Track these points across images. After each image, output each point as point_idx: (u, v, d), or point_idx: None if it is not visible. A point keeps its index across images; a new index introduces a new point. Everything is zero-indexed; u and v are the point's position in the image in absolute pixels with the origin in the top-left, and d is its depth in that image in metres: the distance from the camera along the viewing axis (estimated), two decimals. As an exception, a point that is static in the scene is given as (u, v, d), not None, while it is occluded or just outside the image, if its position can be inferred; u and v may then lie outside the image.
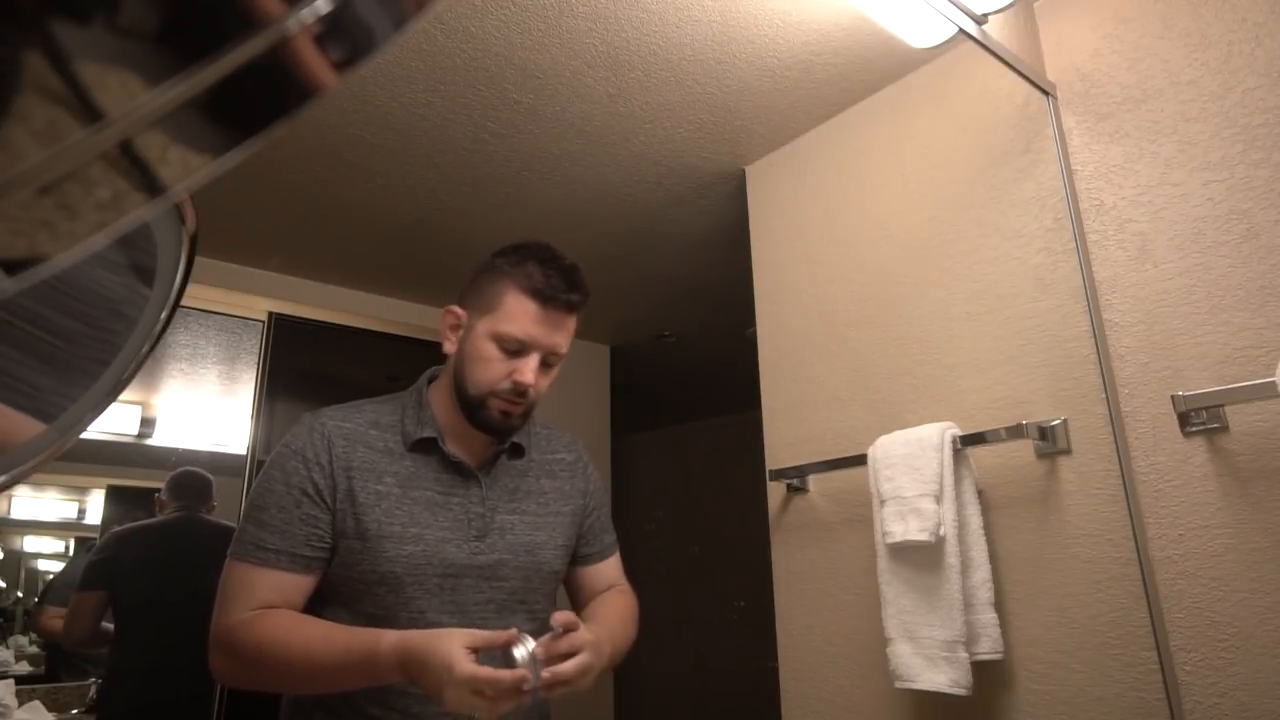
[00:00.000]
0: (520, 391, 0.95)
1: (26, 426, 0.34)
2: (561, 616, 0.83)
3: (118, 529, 1.78)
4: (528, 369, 0.95)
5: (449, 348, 1.00)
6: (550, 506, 1.05)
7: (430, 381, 1.05)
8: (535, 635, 0.83)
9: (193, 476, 1.85)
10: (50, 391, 0.35)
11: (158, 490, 1.82)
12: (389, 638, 0.82)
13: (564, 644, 0.81)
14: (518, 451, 1.05)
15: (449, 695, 0.76)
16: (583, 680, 0.82)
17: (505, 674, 0.76)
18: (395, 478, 0.96)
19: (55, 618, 1.70)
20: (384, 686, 0.89)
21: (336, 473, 0.93)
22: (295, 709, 0.97)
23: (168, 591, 1.76)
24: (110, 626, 1.71)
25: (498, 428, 0.98)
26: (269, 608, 0.89)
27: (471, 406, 0.97)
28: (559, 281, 0.95)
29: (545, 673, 0.78)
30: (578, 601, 1.11)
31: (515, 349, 0.95)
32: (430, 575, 0.94)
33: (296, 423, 0.98)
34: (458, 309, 1.01)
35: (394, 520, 0.93)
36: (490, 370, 0.95)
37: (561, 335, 0.98)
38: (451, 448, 0.99)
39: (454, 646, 0.77)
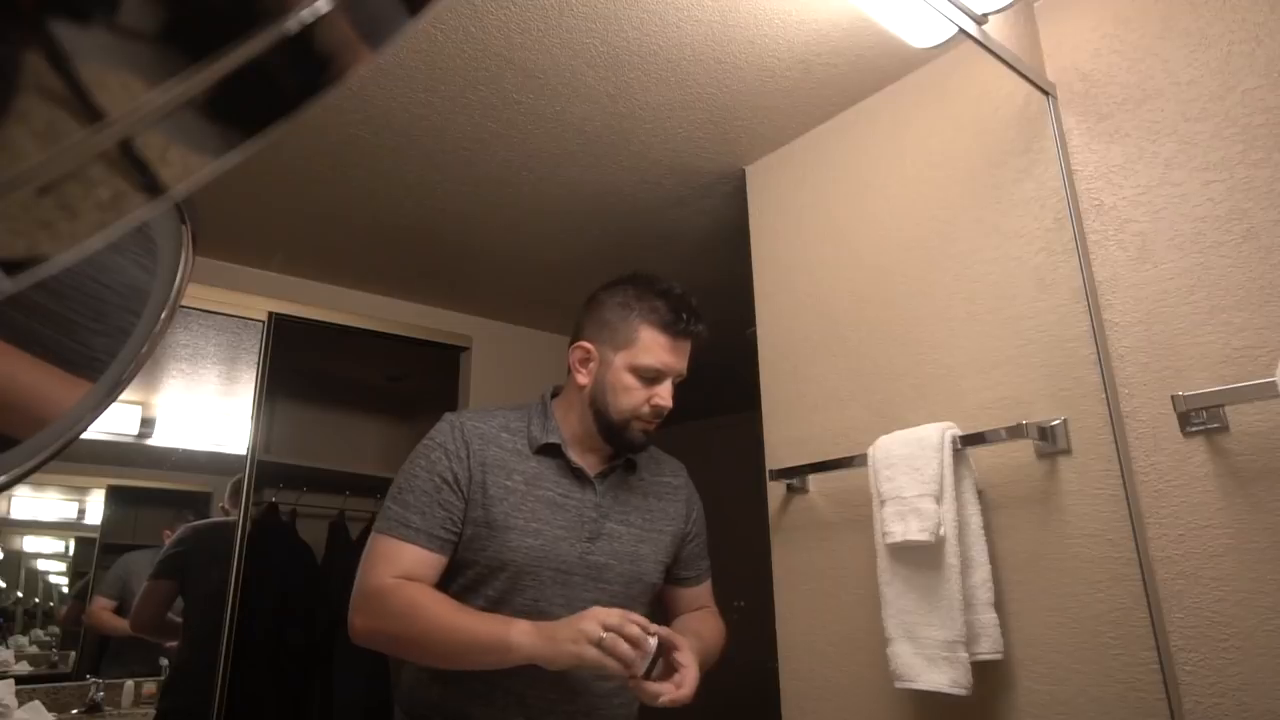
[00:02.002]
0: (660, 414, 1.08)
1: (77, 388, 0.35)
2: (663, 631, 0.94)
3: (194, 523, 1.87)
4: (667, 393, 1.08)
5: (583, 380, 1.11)
6: (655, 524, 1.15)
7: (553, 397, 1.16)
8: None
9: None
10: (99, 349, 0.36)
11: (213, 495, 1.89)
12: (522, 622, 0.93)
13: (676, 657, 0.93)
14: (631, 468, 1.16)
15: (582, 625, 0.87)
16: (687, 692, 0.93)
17: (634, 617, 0.88)
18: (522, 476, 1.07)
19: (105, 609, 1.74)
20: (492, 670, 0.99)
21: (473, 466, 1.05)
22: (417, 674, 1.07)
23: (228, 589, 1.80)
24: (177, 620, 1.77)
25: (638, 445, 1.11)
26: (410, 579, 0.99)
27: (614, 430, 1.09)
28: (687, 315, 1.09)
29: (668, 687, 0.90)
30: (671, 619, 1.20)
31: (652, 377, 1.07)
32: (545, 568, 1.03)
33: (440, 421, 1.10)
34: (588, 344, 1.12)
35: (519, 514, 1.04)
36: (632, 397, 1.07)
37: (685, 361, 1.11)
38: (573, 455, 1.10)
39: (595, 607, 0.91)
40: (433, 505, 1.02)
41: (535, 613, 1.01)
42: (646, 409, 1.07)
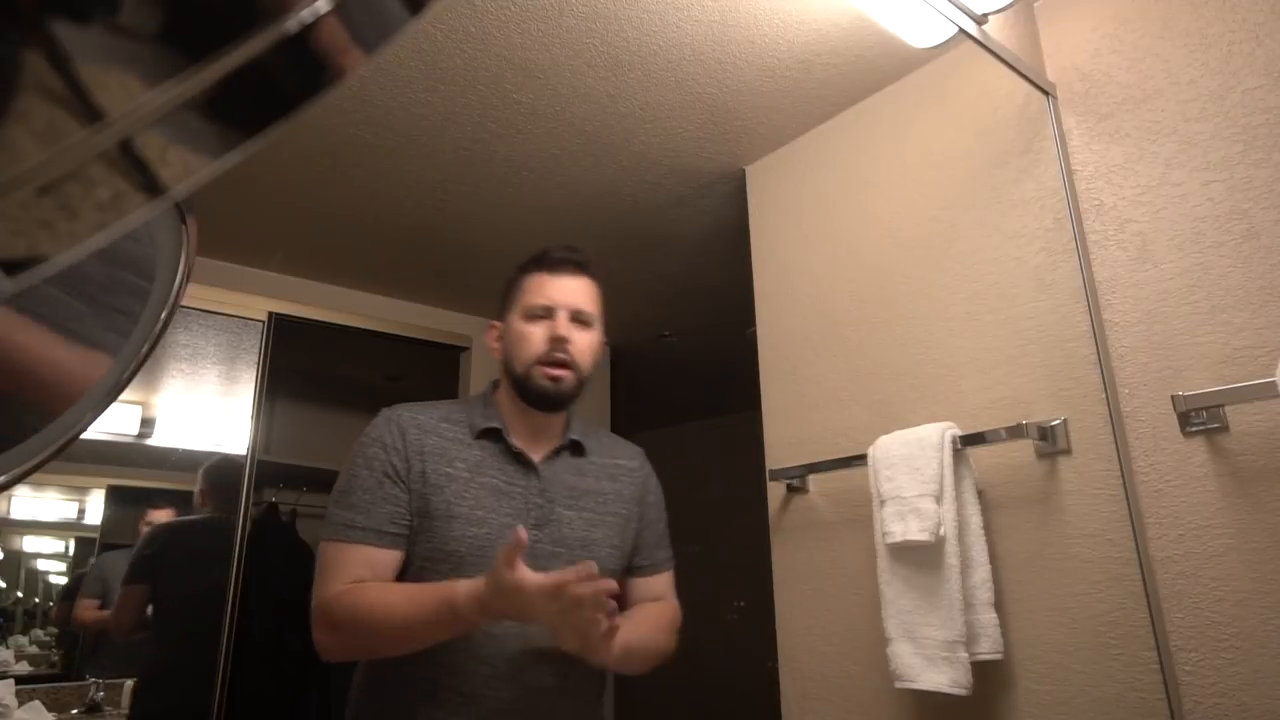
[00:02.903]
0: (559, 349, 1.04)
1: (100, 363, 0.35)
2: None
3: (163, 523, 1.83)
4: (559, 325, 1.05)
5: (498, 355, 1.11)
6: (608, 507, 1.11)
7: (495, 389, 1.14)
8: None
9: (233, 474, 1.86)
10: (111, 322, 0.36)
11: (192, 491, 1.86)
12: (462, 586, 0.89)
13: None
14: (579, 450, 1.12)
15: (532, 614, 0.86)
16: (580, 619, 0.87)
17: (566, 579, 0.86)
18: (465, 463, 1.03)
19: (89, 609, 1.73)
20: (438, 666, 0.96)
21: (411, 456, 1.01)
22: (366, 680, 1.04)
23: (205, 589, 1.78)
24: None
25: (550, 394, 1.05)
26: (361, 581, 0.96)
27: (522, 384, 1.06)
28: (560, 251, 1.09)
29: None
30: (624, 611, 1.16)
31: (541, 314, 1.06)
32: (491, 557, 0.98)
33: (378, 416, 1.07)
34: (495, 322, 1.12)
35: (462, 501, 1.00)
36: (527, 342, 1.05)
37: (580, 296, 1.08)
38: (514, 440, 1.07)
39: (520, 572, 0.86)
40: (376, 501, 0.99)
41: None
42: (544, 348, 1.04)
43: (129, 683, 1.70)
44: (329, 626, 0.95)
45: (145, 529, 1.82)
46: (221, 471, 1.86)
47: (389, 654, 1.01)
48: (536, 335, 1.05)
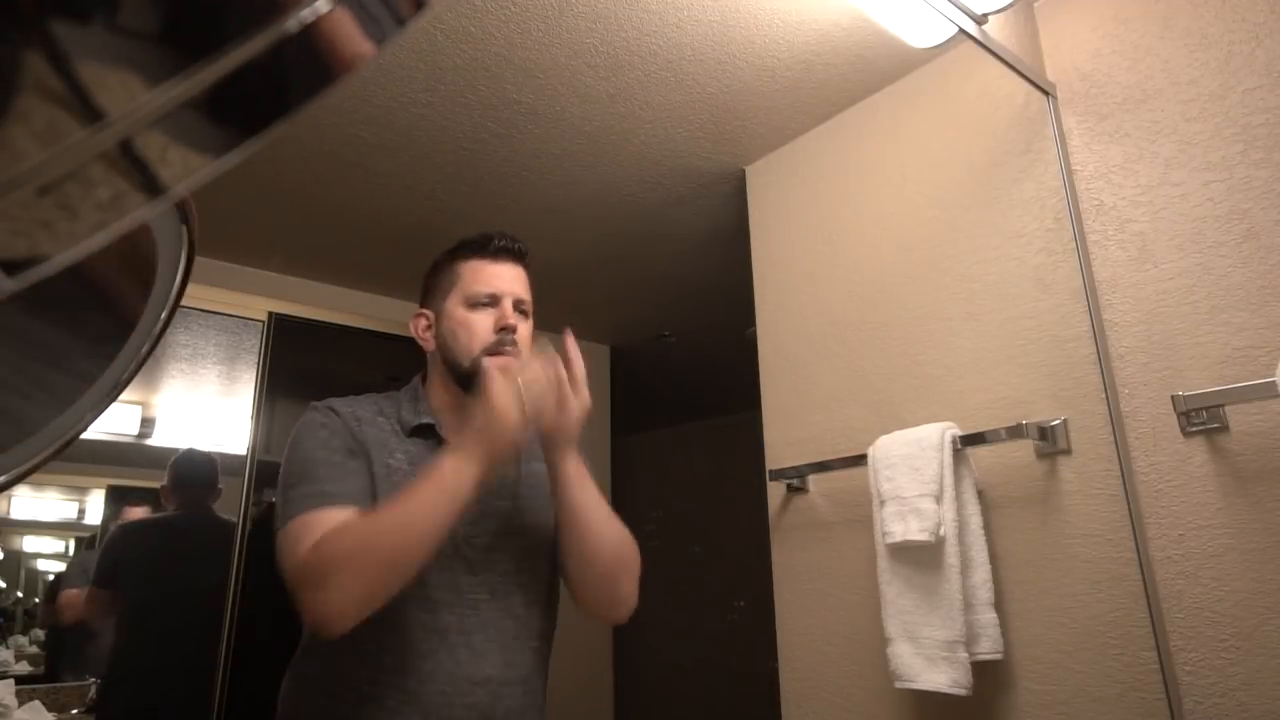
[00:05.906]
0: (507, 339, 1.01)
1: None
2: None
3: (123, 524, 1.80)
4: (506, 313, 1.02)
5: (430, 346, 1.07)
6: (541, 489, 1.07)
7: (423, 383, 1.10)
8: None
9: (198, 469, 1.84)
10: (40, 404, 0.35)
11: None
12: (448, 453, 0.89)
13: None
14: None
15: (502, 415, 0.87)
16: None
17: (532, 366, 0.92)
18: (405, 455, 1.01)
19: (76, 598, 1.72)
20: (377, 665, 0.92)
21: (358, 442, 0.98)
22: (296, 687, 1.00)
23: (172, 590, 1.77)
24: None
25: None
26: None
27: (468, 377, 1.00)
28: (498, 238, 1.06)
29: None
30: (565, 569, 1.06)
31: (486, 301, 1.03)
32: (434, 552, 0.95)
33: (307, 411, 1.02)
34: (424, 310, 1.09)
35: None
36: (474, 331, 1.02)
37: (519, 285, 1.06)
38: (449, 436, 1.03)
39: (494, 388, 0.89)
40: (348, 474, 0.94)
41: (422, 600, 0.94)
42: (492, 337, 1.01)
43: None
44: (322, 582, 0.84)
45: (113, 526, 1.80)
46: (184, 474, 1.82)
47: (403, 576, 0.88)
48: (483, 324, 1.01)
